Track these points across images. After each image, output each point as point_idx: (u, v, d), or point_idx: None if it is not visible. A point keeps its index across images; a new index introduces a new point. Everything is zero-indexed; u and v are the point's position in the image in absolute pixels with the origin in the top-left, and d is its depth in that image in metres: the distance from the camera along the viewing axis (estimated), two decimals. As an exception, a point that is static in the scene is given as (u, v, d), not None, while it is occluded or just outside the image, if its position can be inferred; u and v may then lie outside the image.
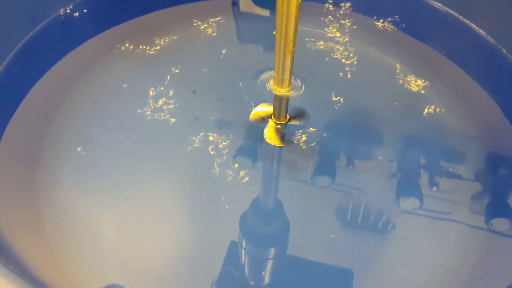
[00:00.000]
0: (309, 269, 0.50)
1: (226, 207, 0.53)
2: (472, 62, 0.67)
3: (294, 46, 0.48)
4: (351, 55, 0.68)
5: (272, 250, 0.52)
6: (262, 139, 0.59)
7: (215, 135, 0.59)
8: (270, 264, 0.51)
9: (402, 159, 0.58)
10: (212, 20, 0.73)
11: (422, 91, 0.64)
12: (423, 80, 0.65)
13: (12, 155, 0.56)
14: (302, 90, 0.62)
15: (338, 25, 0.72)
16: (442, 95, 0.64)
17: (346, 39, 0.70)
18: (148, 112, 0.61)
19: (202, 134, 0.59)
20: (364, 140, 0.60)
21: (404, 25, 0.72)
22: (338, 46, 0.69)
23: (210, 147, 0.58)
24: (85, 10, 0.71)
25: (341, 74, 0.66)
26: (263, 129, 0.59)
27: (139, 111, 0.61)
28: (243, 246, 0.51)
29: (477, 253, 0.51)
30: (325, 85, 0.65)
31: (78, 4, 0.71)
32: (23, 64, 0.64)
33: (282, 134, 0.59)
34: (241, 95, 0.63)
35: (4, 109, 0.59)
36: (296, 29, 0.46)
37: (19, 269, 0.45)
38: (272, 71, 0.52)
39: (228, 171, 0.55)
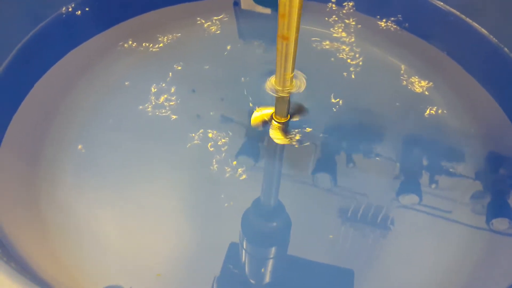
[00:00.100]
0: (309, 268, 0.50)
1: (226, 205, 0.53)
2: (474, 61, 0.67)
3: (296, 45, 0.47)
4: (357, 55, 0.68)
5: (272, 249, 0.52)
6: (261, 137, 0.59)
7: (215, 132, 0.59)
8: (270, 263, 0.51)
9: (403, 158, 0.58)
10: (215, 18, 0.73)
11: (426, 92, 0.64)
12: (427, 81, 0.65)
13: (13, 155, 0.56)
14: (304, 89, 0.62)
15: (343, 25, 0.72)
16: (444, 95, 0.64)
17: (352, 39, 0.70)
18: (149, 109, 0.61)
19: (201, 131, 0.59)
20: (365, 140, 0.60)
21: (407, 24, 0.72)
22: (344, 47, 0.69)
23: (209, 144, 0.58)
24: (87, 9, 0.71)
25: (345, 74, 0.66)
26: (263, 128, 0.59)
27: (141, 107, 0.61)
28: (244, 245, 0.51)
29: (477, 253, 0.51)
30: (328, 85, 0.64)
31: (80, 3, 0.71)
32: (24, 63, 0.64)
33: (283, 132, 0.59)
34: (242, 93, 0.63)
35: (5, 108, 0.59)
36: (298, 28, 0.45)
37: (21, 266, 0.45)
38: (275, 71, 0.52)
39: (226, 168, 0.56)
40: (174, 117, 0.60)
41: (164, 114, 0.60)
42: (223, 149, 0.57)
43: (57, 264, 0.49)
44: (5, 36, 0.63)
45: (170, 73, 0.65)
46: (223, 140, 0.58)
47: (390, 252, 0.51)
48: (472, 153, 0.59)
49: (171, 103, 0.62)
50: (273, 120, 0.60)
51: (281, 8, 0.43)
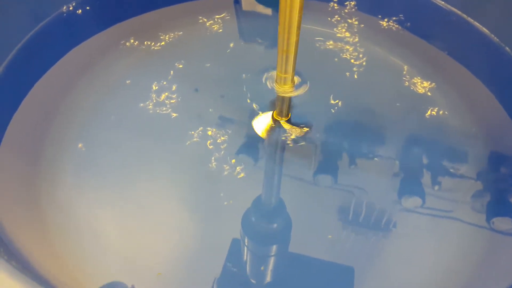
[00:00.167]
0: (309, 267, 0.50)
1: (225, 203, 0.53)
2: (475, 60, 0.67)
3: (297, 45, 0.47)
4: (361, 55, 0.68)
5: (273, 248, 0.52)
6: (261, 135, 0.59)
7: (214, 129, 0.59)
8: (271, 261, 0.51)
9: (404, 158, 0.58)
10: (217, 16, 0.73)
11: (429, 93, 0.64)
12: (429, 82, 0.65)
13: (13, 155, 0.56)
14: (306, 89, 0.62)
15: (346, 24, 0.72)
16: (446, 95, 0.64)
17: (356, 39, 0.70)
18: (150, 106, 0.61)
19: (201, 128, 0.59)
20: (367, 139, 0.60)
21: (408, 24, 0.72)
22: (348, 47, 0.69)
23: (209, 141, 0.58)
24: (88, 7, 0.71)
25: (348, 74, 0.66)
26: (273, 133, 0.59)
27: (141, 105, 0.61)
28: (245, 244, 0.51)
29: (478, 252, 0.51)
30: (331, 85, 0.64)
31: (81, 1, 0.71)
32: (25, 62, 0.64)
33: (283, 131, 0.59)
34: (243, 92, 0.63)
35: (5, 108, 0.59)
36: (299, 28, 0.45)
37: (22, 265, 0.45)
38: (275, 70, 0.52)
39: (224, 166, 0.56)
40: (174, 115, 0.60)
41: (164, 112, 0.61)
42: (222, 147, 0.57)
43: (58, 263, 0.49)
44: (5, 36, 0.63)
45: (172, 71, 0.65)
46: (222, 138, 0.58)
47: (391, 251, 0.51)
48: (473, 153, 0.59)
49: (172, 101, 0.62)
50: (280, 121, 0.59)
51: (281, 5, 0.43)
